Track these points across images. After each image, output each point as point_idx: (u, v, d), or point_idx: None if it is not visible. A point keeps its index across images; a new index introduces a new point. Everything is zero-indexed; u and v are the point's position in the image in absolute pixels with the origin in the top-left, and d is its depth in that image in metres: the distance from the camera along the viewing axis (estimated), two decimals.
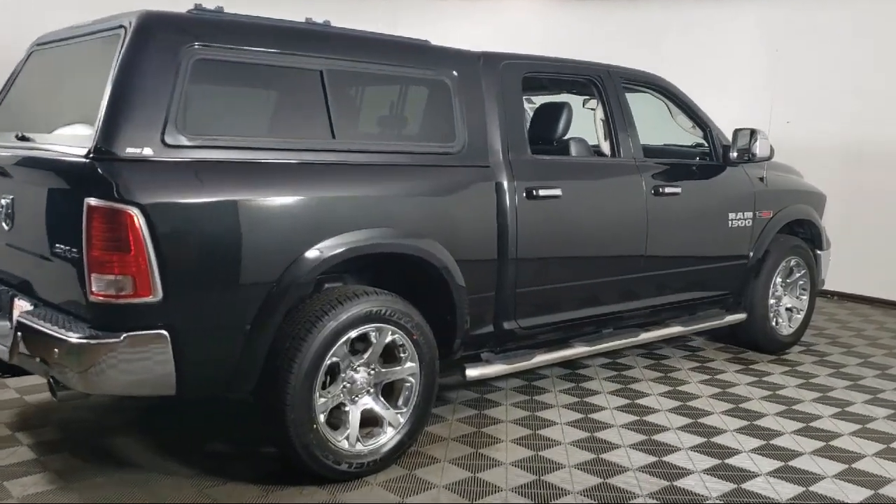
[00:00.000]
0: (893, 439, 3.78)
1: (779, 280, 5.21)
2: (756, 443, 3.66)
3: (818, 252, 5.50)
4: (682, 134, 5.01)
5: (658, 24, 7.87)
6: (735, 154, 4.61)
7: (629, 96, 4.36)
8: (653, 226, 4.22)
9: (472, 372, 3.69)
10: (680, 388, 4.40)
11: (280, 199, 2.94)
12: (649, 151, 4.66)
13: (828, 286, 7.03)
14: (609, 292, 4.17)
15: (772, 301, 5.17)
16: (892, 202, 6.67)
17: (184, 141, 2.77)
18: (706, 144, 4.78)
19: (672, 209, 4.34)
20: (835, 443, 3.71)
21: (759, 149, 4.54)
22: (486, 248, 3.58)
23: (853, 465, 3.47)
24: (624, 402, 4.15)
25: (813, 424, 3.92)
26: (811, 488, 3.24)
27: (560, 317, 3.97)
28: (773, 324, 5.16)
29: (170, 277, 2.68)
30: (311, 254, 2.98)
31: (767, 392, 4.38)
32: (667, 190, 4.28)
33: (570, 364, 4.63)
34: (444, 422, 3.80)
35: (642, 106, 4.85)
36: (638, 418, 3.90)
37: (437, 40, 3.72)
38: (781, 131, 6.82)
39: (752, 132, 4.55)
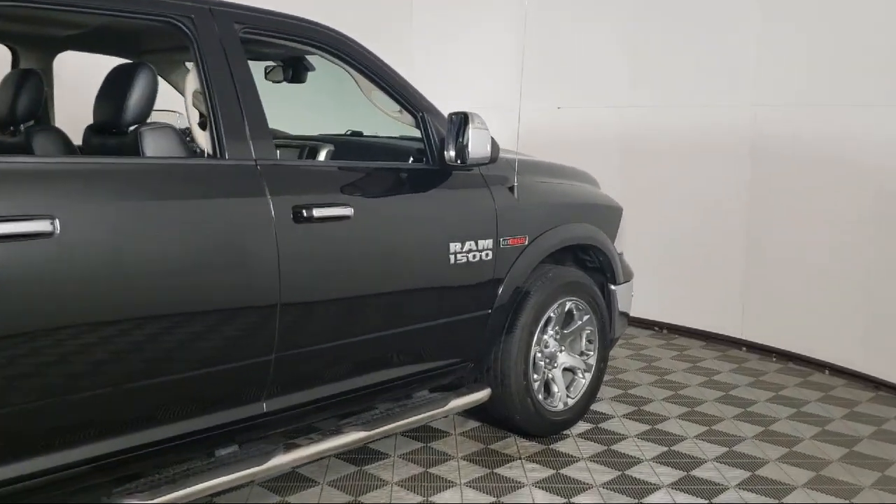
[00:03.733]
0: None
1: (550, 332, 3.65)
2: None
3: (611, 287, 3.97)
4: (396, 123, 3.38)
5: None
6: (452, 153, 2.98)
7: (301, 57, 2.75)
8: (292, 270, 2.53)
9: None
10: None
11: None
12: (315, 150, 3.04)
13: (655, 316, 5.63)
14: (153, 404, 2.35)
15: (540, 362, 3.61)
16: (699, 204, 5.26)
17: None
18: (423, 138, 3.14)
19: (331, 242, 2.67)
20: None
21: (473, 145, 2.92)
22: None
23: None
24: None
25: None
26: None
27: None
28: (540, 397, 3.59)
29: None
30: None
31: None
32: (320, 213, 2.61)
33: None
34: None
35: (327, 75, 3.21)
36: None
37: None
38: (550, 119, 5.34)
39: (465, 118, 2.93)
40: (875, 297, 4.46)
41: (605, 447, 3.56)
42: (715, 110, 5.18)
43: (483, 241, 3.17)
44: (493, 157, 3.03)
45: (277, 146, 3.64)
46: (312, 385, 2.73)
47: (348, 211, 2.69)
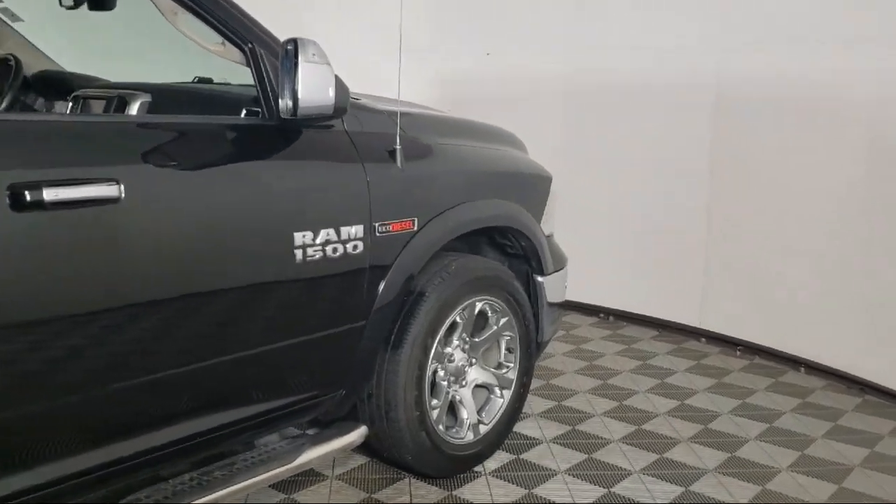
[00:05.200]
0: None
1: (456, 342, 2.78)
2: None
3: (538, 279, 3.10)
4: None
5: None
6: (288, 101, 2.04)
7: None
8: (11, 281, 1.62)
9: None
10: None
11: None
12: (124, 102, 2.16)
13: (600, 301, 4.79)
14: None
15: (442, 382, 2.74)
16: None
17: None
18: (254, 82, 2.19)
19: (81, 239, 1.75)
20: None
21: (305, 87, 1.98)
22: None
23: None
24: None
25: None
26: None
27: None
28: (441, 427, 2.73)
29: None
30: None
31: None
32: (56, 195, 1.67)
33: None
34: None
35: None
36: None
37: None
38: (475, 66, 4.44)
39: (295, 46, 1.98)
40: (866, 282, 3.66)
41: (526, 490, 2.72)
42: (676, 54, 4.29)
43: (348, 227, 2.25)
44: (340, 107, 2.10)
45: (71, 96, 2.69)
46: (67, 454, 1.82)
47: (112, 191, 1.75)
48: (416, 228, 2.47)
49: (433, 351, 2.63)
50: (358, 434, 2.44)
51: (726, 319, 4.27)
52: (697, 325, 4.39)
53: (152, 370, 1.91)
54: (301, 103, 1.98)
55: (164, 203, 1.87)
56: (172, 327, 1.92)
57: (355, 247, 2.28)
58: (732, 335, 4.26)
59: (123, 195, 1.77)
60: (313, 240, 2.17)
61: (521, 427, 3.18)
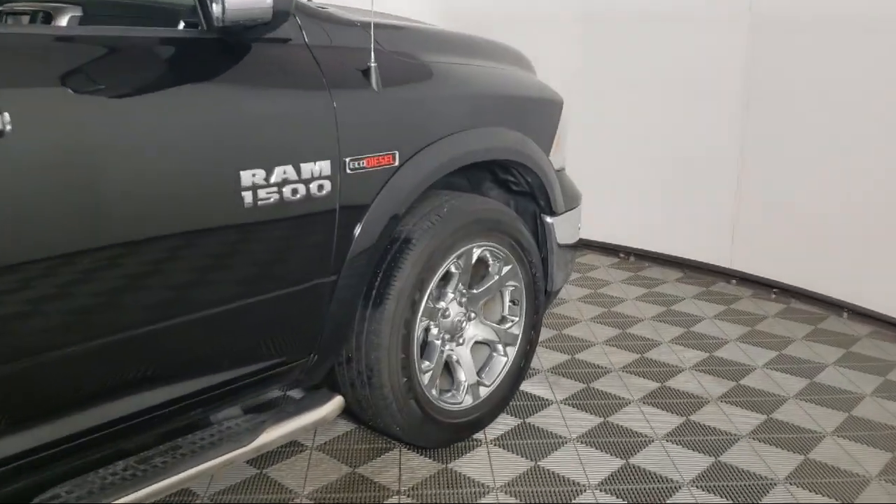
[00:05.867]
0: None
1: (451, 295, 2.41)
2: None
3: (547, 220, 2.70)
4: None
5: None
6: (217, 4, 1.63)
7: None
8: None
9: None
10: None
11: None
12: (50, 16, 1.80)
13: (621, 240, 4.39)
14: None
15: (435, 341, 2.38)
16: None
17: None
18: None
19: None
20: None
21: None
22: None
23: None
24: None
25: None
26: None
27: None
28: (434, 392, 2.38)
29: None
30: None
31: None
32: None
33: None
34: None
35: None
36: None
37: None
38: None
39: None
40: None
41: (532, 462, 2.38)
42: None
43: (310, 164, 1.86)
44: (280, 10, 1.67)
45: None
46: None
47: None
48: (397, 164, 2.07)
49: (423, 306, 2.26)
50: (331, 407, 2.09)
51: (760, 259, 3.86)
52: (727, 266, 3.98)
53: (74, 340, 1.56)
54: (229, 3, 1.57)
55: (67, 136, 1.49)
56: (94, 286, 1.56)
57: (321, 187, 1.89)
58: (766, 276, 3.85)
59: (8, 128, 1.39)
60: (266, 179, 1.78)
61: (528, 386, 2.84)
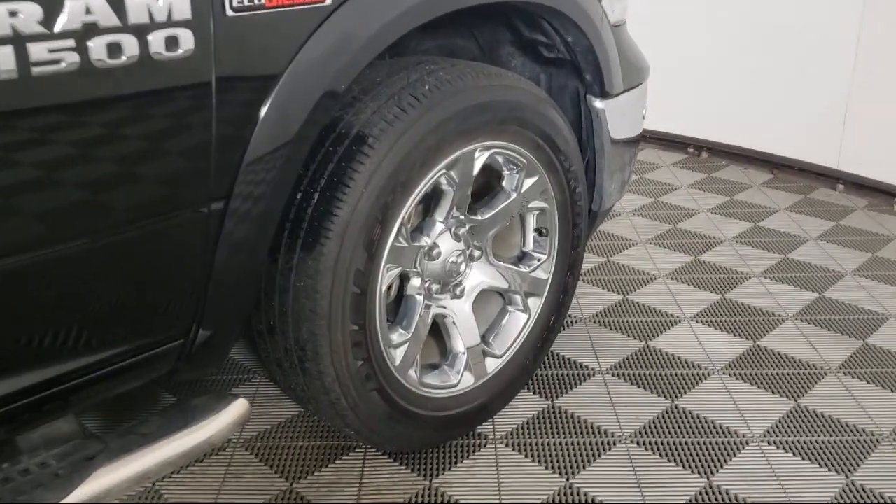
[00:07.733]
0: None
1: (438, 226, 1.53)
2: None
3: (596, 104, 1.77)
4: None
5: None
6: None
7: None
8: None
9: None
10: None
11: None
12: None
13: (692, 130, 3.43)
14: None
15: (416, 295, 1.53)
16: None
17: None
18: None
19: None
20: None
21: None
22: None
23: None
24: None
25: None
26: None
27: None
28: (412, 373, 1.55)
29: None
30: None
31: None
32: None
33: None
34: None
35: None
36: None
37: None
38: None
39: None
40: None
41: (564, 479, 1.57)
42: None
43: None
44: None
45: None
46: None
47: None
48: (330, 1, 1.17)
49: (389, 246, 1.39)
50: (232, 418, 1.26)
51: (877, 157, 2.89)
52: (834, 166, 3.02)
53: None
54: None
55: None
56: None
57: (173, 41, 1.00)
58: (887, 180, 2.89)
59: None
60: (46, 23, 0.90)
61: (560, 344, 1.99)
